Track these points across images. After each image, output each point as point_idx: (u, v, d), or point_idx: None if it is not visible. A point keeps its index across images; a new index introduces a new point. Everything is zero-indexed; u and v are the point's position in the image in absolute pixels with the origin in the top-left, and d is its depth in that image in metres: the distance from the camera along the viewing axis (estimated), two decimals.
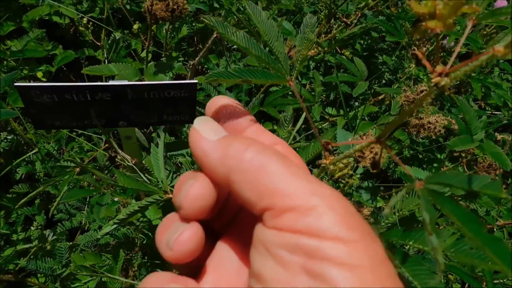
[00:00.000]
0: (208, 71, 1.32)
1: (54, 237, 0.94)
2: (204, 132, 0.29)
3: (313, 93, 1.30)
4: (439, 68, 0.27)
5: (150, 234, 0.88)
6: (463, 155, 0.92)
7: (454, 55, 0.28)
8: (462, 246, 0.50)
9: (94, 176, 0.77)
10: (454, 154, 0.96)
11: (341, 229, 0.23)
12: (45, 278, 0.92)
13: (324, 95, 1.33)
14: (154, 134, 0.97)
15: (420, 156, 1.18)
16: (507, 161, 0.76)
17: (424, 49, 1.18)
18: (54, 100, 0.65)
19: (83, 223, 1.05)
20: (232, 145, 0.28)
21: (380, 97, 1.23)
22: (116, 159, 0.78)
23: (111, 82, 0.65)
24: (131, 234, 0.98)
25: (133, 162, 0.72)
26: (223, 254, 0.31)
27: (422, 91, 0.75)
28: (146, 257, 0.92)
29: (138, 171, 0.71)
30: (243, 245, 0.31)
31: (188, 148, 0.88)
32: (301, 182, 0.25)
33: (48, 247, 0.99)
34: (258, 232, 0.26)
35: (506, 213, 1.17)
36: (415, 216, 0.78)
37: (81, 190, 0.80)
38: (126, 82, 0.65)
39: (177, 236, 0.28)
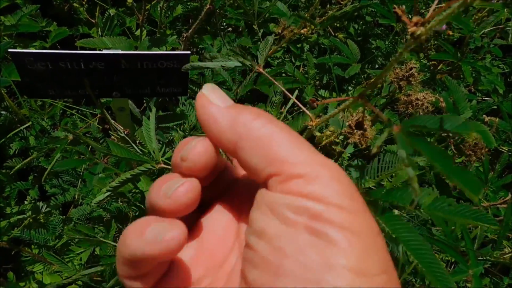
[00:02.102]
0: (203, 51, 1.33)
1: (48, 209, 0.95)
2: (213, 98, 0.30)
3: (306, 75, 1.31)
4: (415, 18, 0.29)
5: (142, 206, 0.89)
6: (451, 135, 0.93)
7: (432, 7, 0.29)
8: (440, 204, 0.52)
9: (89, 148, 0.78)
10: (443, 135, 0.98)
11: (345, 199, 0.25)
12: (38, 249, 0.93)
13: (317, 78, 1.35)
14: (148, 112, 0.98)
15: None
16: (491, 139, 0.78)
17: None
18: (48, 68, 0.65)
19: (76, 197, 1.06)
20: (242, 113, 0.28)
21: (371, 81, 1.24)
22: (110, 132, 0.79)
23: (105, 51, 0.66)
24: (124, 208, 0.99)
25: (125, 133, 0.73)
26: (210, 220, 0.32)
27: (411, 68, 0.76)
28: None
29: (131, 141, 0.73)
30: (231, 214, 0.32)
31: (180, 120, 0.90)
32: (308, 152, 0.27)
33: (42, 220, 1.00)
34: (262, 195, 0.27)
35: (492, 195, 1.20)
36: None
37: (74, 159, 0.81)
38: (120, 52, 0.66)
39: (178, 186, 0.29)
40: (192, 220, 0.33)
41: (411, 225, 0.46)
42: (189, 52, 0.68)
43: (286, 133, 0.27)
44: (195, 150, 0.29)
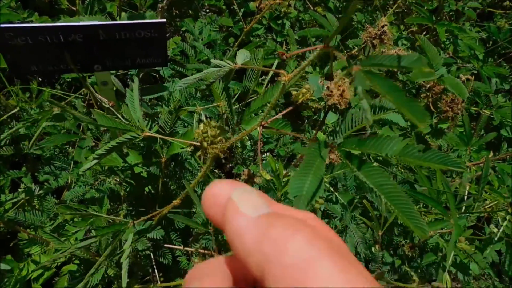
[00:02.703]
0: (185, 34, 1.35)
1: (41, 191, 0.97)
2: (242, 205, 0.23)
3: (288, 51, 1.33)
4: None
5: (133, 182, 0.91)
6: (429, 94, 0.96)
7: None
8: (410, 150, 0.55)
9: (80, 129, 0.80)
10: (421, 96, 1.01)
11: None
12: (34, 232, 0.95)
13: (300, 54, 1.37)
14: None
15: None
16: (464, 90, 0.81)
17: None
18: (28, 43, 0.67)
19: (69, 182, 1.08)
20: (274, 226, 0.22)
21: (353, 51, 1.27)
22: (94, 108, 0.81)
23: (82, 22, 0.67)
24: (117, 188, 1.01)
25: (110, 105, 0.75)
26: None
27: (383, 26, 0.78)
28: (131, 207, 0.96)
29: (116, 112, 0.75)
30: None
31: (162, 92, 0.92)
32: None
33: (37, 205, 1.02)
34: None
35: (475, 156, 1.23)
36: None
37: (62, 135, 0.82)
38: (97, 22, 0.68)
39: None
40: None
41: (386, 173, 0.48)
42: (164, 20, 0.70)
43: (329, 263, 0.20)
44: None
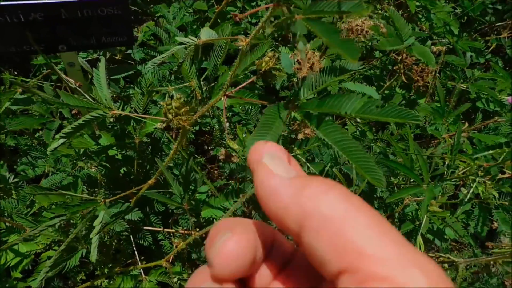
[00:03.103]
0: (159, 19, 1.34)
1: (16, 179, 0.97)
2: (275, 168, 0.25)
3: (265, 34, 1.33)
4: None
5: (108, 165, 0.91)
6: (400, 66, 0.97)
7: None
8: (370, 106, 0.55)
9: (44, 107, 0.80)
10: (394, 68, 1.02)
11: None
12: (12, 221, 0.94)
13: (276, 35, 1.37)
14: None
15: (368, 72, 1.24)
16: (431, 58, 0.82)
17: None
18: None
19: (46, 171, 1.07)
20: (310, 185, 0.23)
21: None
22: (62, 90, 0.80)
23: (42, 0, 0.67)
24: (93, 174, 1.01)
25: (77, 85, 0.75)
26: None
27: None
28: (108, 191, 0.96)
29: (82, 92, 0.74)
30: None
31: (130, 71, 0.91)
32: (396, 245, 0.20)
33: (14, 196, 1.01)
34: None
35: (452, 127, 1.25)
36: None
37: (30, 117, 0.82)
38: (58, 0, 0.67)
39: None
40: None
41: (343, 130, 0.48)
42: None
43: (366, 215, 0.21)
44: (221, 254, 0.24)
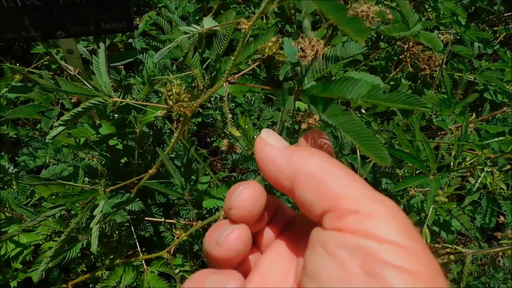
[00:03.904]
0: (161, 9, 1.32)
1: (15, 169, 0.96)
2: (270, 140, 0.32)
3: (268, 25, 1.32)
4: None
5: (108, 155, 0.90)
6: (407, 54, 0.95)
7: None
8: (377, 92, 0.53)
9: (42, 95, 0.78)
10: (401, 57, 1.00)
11: (401, 236, 0.24)
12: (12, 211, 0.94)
13: (279, 26, 1.35)
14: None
15: (373, 63, 1.22)
16: (438, 43, 0.79)
17: None
18: None
19: (47, 161, 1.06)
20: (297, 151, 0.30)
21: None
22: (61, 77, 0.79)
23: None
24: (94, 164, 1.00)
25: (76, 72, 0.73)
26: (268, 263, 0.32)
27: None
28: (109, 182, 0.94)
29: (81, 79, 0.73)
30: (289, 256, 0.32)
31: (130, 58, 0.90)
32: (363, 188, 0.26)
33: (14, 186, 1.00)
34: (316, 234, 0.27)
35: (459, 119, 1.22)
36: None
37: (28, 106, 0.81)
38: None
39: (227, 234, 0.29)
40: (254, 260, 0.33)
41: (348, 112, 0.47)
42: None
43: (341, 170, 0.28)
44: (240, 198, 0.30)
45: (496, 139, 0.80)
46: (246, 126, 0.82)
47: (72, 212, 1.01)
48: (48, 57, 1.00)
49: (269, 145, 0.31)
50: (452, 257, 0.71)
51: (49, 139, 0.66)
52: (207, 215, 1.06)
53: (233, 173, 1.35)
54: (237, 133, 0.67)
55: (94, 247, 0.66)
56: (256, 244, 0.34)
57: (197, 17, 1.27)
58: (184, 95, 0.63)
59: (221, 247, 0.29)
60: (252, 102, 1.22)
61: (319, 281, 0.25)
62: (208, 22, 0.72)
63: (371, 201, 0.25)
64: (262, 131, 0.33)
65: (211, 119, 1.32)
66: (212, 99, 1.34)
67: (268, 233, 0.34)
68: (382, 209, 0.25)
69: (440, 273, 0.24)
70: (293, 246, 0.32)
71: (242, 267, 0.32)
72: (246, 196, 0.30)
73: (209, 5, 1.40)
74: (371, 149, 0.46)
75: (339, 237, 0.25)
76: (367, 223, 0.24)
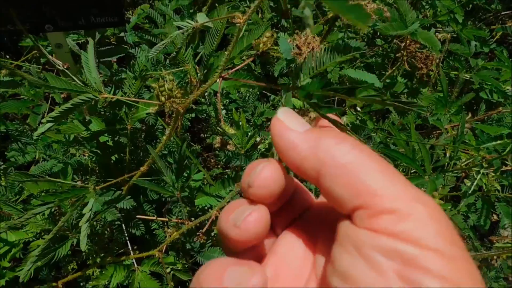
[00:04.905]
0: (154, 2, 1.30)
1: (4, 165, 0.94)
2: (290, 123, 0.28)
3: (264, 19, 1.29)
4: None
5: (99, 152, 0.88)
6: (404, 53, 0.94)
7: None
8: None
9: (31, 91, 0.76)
10: (397, 55, 0.98)
11: (443, 242, 0.22)
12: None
13: (275, 20, 1.33)
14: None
15: (369, 60, 1.20)
16: (436, 42, 0.78)
17: None
18: None
19: (37, 157, 1.04)
20: (324, 137, 0.26)
21: (328, 15, 1.24)
22: (49, 72, 0.77)
23: None
24: (84, 160, 0.98)
25: (65, 67, 0.71)
26: (286, 247, 0.30)
27: None
28: (99, 179, 0.93)
29: (70, 74, 0.71)
30: (307, 241, 0.30)
31: (120, 53, 0.88)
32: (402, 184, 0.24)
33: (3, 182, 0.98)
34: (346, 229, 0.25)
35: (455, 118, 1.22)
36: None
37: (15, 101, 0.79)
38: None
39: (246, 216, 0.28)
40: (268, 244, 0.32)
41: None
42: None
43: (375, 161, 0.25)
44: (260, 176, 0.28)
45: (493, 143, 0.79)
46: (240, 123, 0.80)
47: (63, 209, 1.00)
48: (34, 51, 0.97)
49: (290, 129, 0.28)
50: None
51: (37, 136, 0.64)
52: (200, 213, 1.05)
53: (227, 170, 1.34)
54: (230, 131, 0.66)
55: (83, 246, 0.64)
56: (271, 226, 0.31)
57: (191, 10, 1.25)
58: (176, 91, 0.61)
59: (239, 229, 0.27)
60: (246, 98, 1.21)
61: (352, 282, 0.23)
62: (202, 18, 0.70)
63: (411, 201, 0.23)
64: (279, 110, 0.30)
65: (205, 114, 1.31)
66: (206, 94, 1.32)
67: (284, 216, 0.32)
68: (423, 210, 0.23)
69: (482, 283, 0.22)
70: (311, 232, 0.30)
71: (256, 249, 0.30)
72: (268, 174, 0.28)
73: None
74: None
75: (373, 239, 0.23)
76: (405, 225, 0.22)
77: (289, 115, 0.29)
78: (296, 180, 0.34)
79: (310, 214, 0.32)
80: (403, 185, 0.24)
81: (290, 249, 0.30)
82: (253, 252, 0.30)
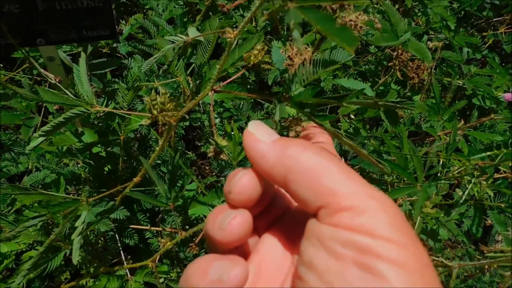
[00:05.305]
0: (148, 11, 1.30)
1: None
2: (259, 135, 0.31)
3: (257, 27, 1.30)
4: None
5: (92, 162, 0.88)
6: (395, 62, 0.94)
7: None
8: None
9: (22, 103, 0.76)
10: (389, 64, 0.99)
11: (393, 231, 0.25)
12: None
13: (269, 28, 1.33)
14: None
15: (362, 68, 1.21)
16: (427, 54, 0.79)
17: None
18: None
19: (30, 167, 1.04)
20: (289, 146, 0.29)
21: None
22: (42, 86, 0.77)
23: None
24: (77, 170, 0.98)
25: (57, 80, 0.71)
26: (267, 246, 0.33)
27: None
28: (93, 189, 0.93)
29: (63, 88, 0.71)
30: (286, 240, 0.33)
31: (113, 66, 0.88)
32: (357, 184, 0.27)
33: None
34: (312, 226, 0.27)
35: (448, 125, 1.22)
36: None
37: (9, 113, 0.78)
38: None
39: (230, 220, 0.30)
40: (252, 244, 0.34)
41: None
42: None
43: (334, 165, 0.27)
44: (239, 184, 0.30)
45: (483, 154, 0.80)
46: (233, 133, 0.81)
47: (55, 220, 0.99)
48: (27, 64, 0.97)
49: (259, 141, 0.31)
50: (440, 269, 0.71)
51: (29, 150, 0.64)
52: (195, 222, 1.05)
53: (221, 177, 1.34)
54: (223, 143, 0.66)
55: (75, 259, 0.64)
56: (254, 227, 0.34)
57: (185, 19, 1.25)
58: (169, 104, 0.61)
59: (224, 231, 0.30)
60: (240, 106, 1.21)
61: (315, 270, 0.26)
62: (193, 32, 0.71)
63: (365, 197, 0.26)
64: (249, 124, 0.33)
65: (199, 122, 1.31)
66: (200, 102, 1.32)
67: (266, 218, 0.35)
68: (377, 205, 0.25)
69: (430, 264, 0.25)
70: (290, 232, 0.33)
71: (241, 249, 0.33)
72: (245, 181, 0.30)
73: (198, 7, 1.38)
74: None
75: (333, 232, 0.25)
76: (360, 219, 0.25)
77: (258, 128, 0.32)
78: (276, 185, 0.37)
79: (289, 216, 0.35)
80: (359, 185, 0.27)
81: (272, 247, 0.33)
82: (238, 252, 0.32)
